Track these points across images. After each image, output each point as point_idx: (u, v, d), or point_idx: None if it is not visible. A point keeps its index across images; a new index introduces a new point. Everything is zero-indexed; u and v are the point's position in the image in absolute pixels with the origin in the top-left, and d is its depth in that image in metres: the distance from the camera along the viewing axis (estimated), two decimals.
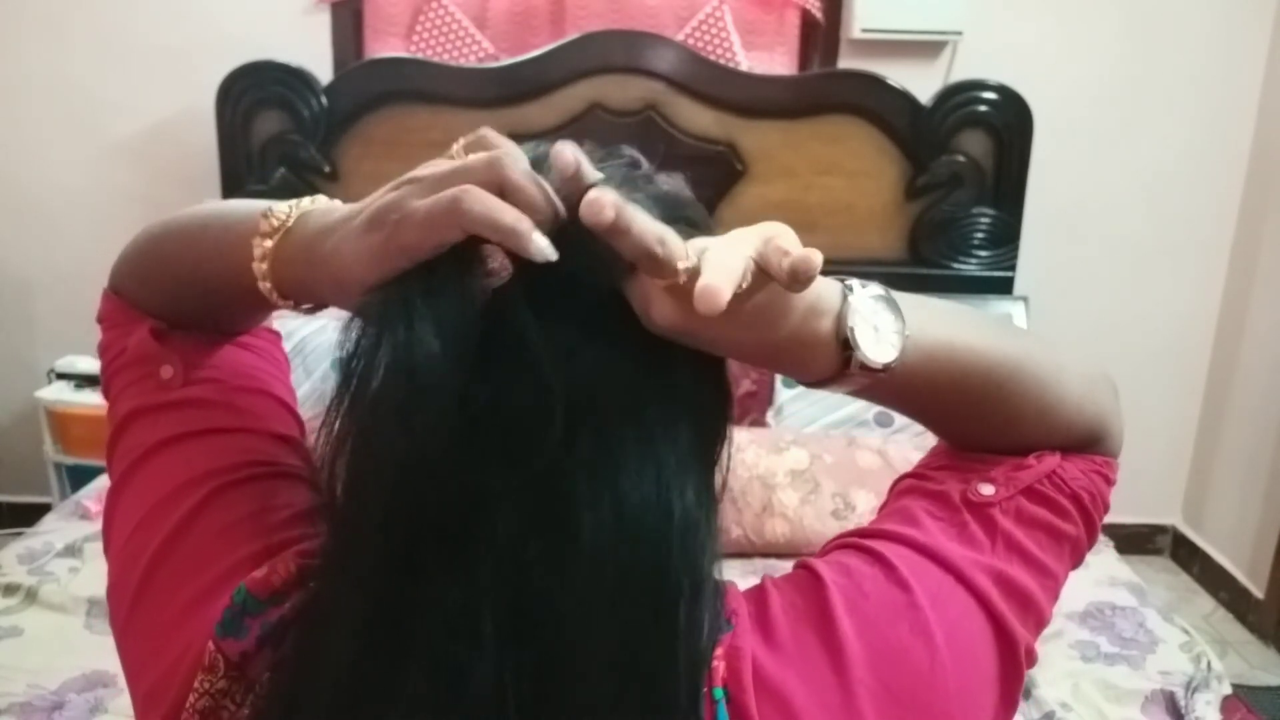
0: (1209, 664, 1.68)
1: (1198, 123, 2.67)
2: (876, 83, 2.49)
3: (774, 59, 2.64)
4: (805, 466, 2.00)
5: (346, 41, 2.61)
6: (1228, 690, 1.63)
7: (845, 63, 2.60)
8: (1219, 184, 2.72)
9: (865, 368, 0.50)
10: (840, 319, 0.49)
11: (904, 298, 0.52)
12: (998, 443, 0.59)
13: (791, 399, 2.31)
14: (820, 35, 2.62)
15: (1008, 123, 2.51)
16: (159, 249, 0.63)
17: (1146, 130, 2.67)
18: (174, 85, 2.58)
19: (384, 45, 2.63)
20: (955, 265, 2.58)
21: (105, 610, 1.90)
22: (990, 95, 2.50)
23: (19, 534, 2.07)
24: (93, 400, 2.46)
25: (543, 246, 0.43)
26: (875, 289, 0.51)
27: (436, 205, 0.44)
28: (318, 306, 0.53)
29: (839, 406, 2.29)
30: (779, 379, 2.33)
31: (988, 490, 0.57)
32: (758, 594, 0.55)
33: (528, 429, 0.45)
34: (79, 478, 2.45)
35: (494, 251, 0.46)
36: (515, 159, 0.45)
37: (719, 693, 0.49)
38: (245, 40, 2.48)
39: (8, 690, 1.49)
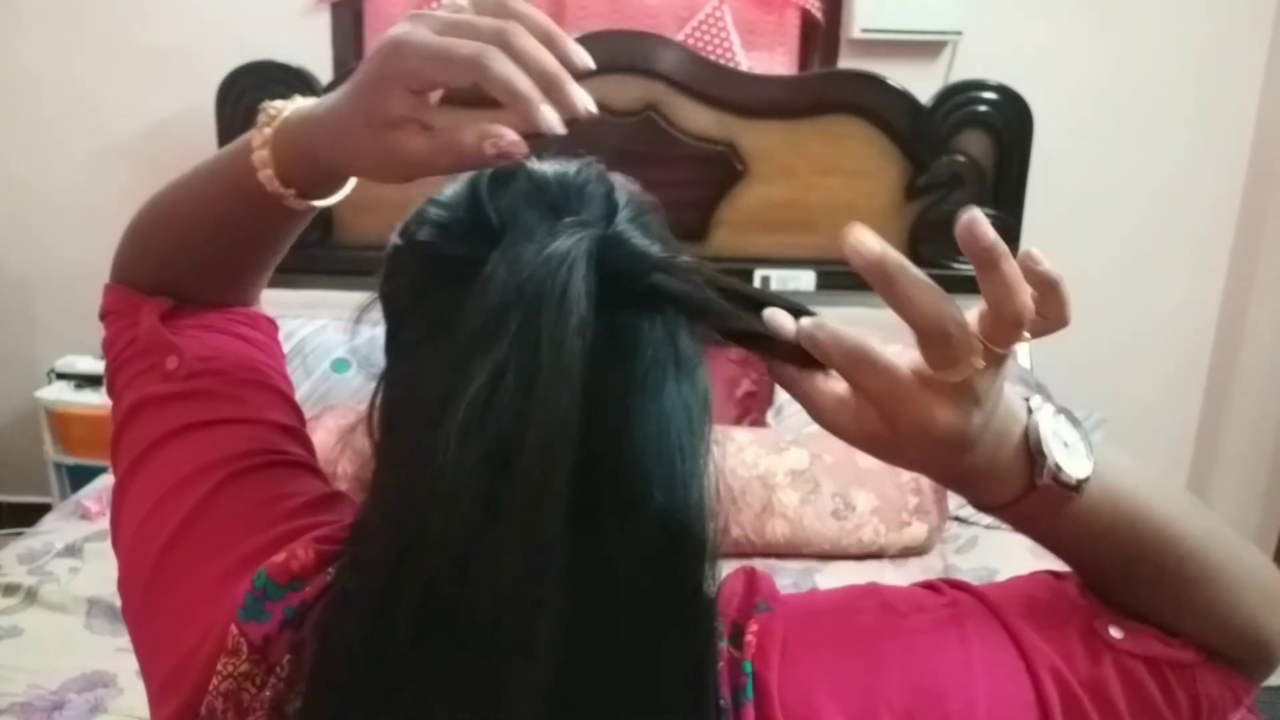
0: None
1: (1198, 122, 2.67)
2: (876, 83, 2.49)
3: (774, 59, 2.64)
4: (805, 466, 2.00)
5: (346, 41, 2.61)
6: None
7: (845, 63, 2.60)
8: (1219, 184, 2.72)
9: (1059, 482, 0.47)
10: (1029, 430, 0.47)
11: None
12: (1151, 618, 0.54)
13: (791, 399, 2.31)
14: (820, 35, 2.61)
15: (1008, 123, 2.51)
16: (156, 211, 0.64)
17: (1147, 130, 2.67)
18: (174, 85, 2.58)
19: None
20: (955, 266, 2.57)
21: (105, 610, 1.89)
22: (990, 95, 2.50)
23: (19, 534, 2.07)
24: (93, 400, 2.45)
25: (550, 119, 0.44)
26: (1052, 405, 0.49)
27: (455, 47, 0.44)
28: (320, 191, 0.56)
29: None
30: None
31: (1115, 634, 0.53)
32: (804, 596, 0.56)
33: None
34: (79, 478, 2.45)
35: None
36: (530, 25, 0.46)
37: (748, 666, 0.50)
38: (245, 40, 2.48)
39: (8, 690, 1.49)
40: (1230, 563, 0.53)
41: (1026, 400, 0.49)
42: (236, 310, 0.67)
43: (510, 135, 0.45)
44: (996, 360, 0.45)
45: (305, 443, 0.64)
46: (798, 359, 0.47)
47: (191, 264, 0.64)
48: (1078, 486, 0.48)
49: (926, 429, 0.45)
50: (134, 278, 0.66)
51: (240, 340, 0.66)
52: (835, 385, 0.47)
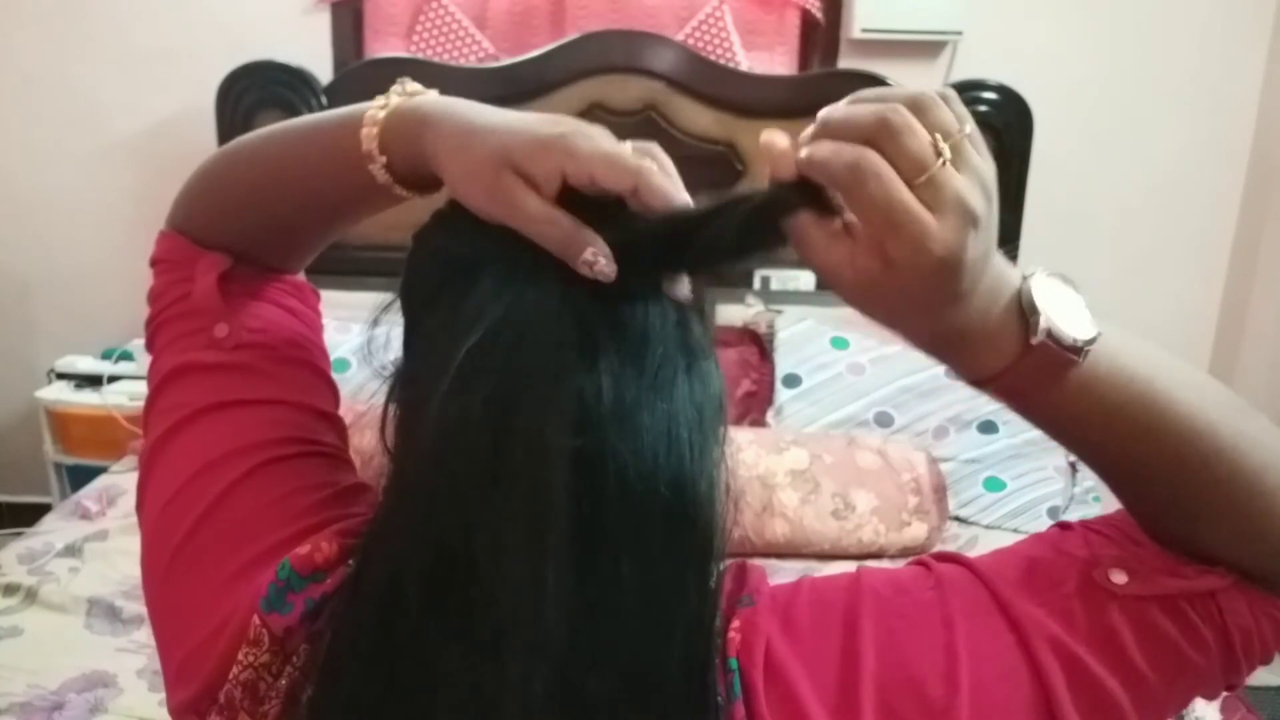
0: None
1: (1198, 122, 2.67)
2: (876, 83, 2.48)
3: (774, 59, 2.64)
4: (805, 466, 2.00)
5: (346, 41, 2.61)
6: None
7: (845, 63, 2.60)
8: (1219, 184, 2.72)
9: (1055, 342, 0.45)
10: (1022, 293, 0.46)
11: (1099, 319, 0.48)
12: (1174, 529, 0.51)
13: (791, 399, 2.31)
14: (820, 35, 2.62)
15: (1008, 123, 2.51)
16: (237, 161, 0.63)
17: (1147, 130, 2.67)
18: (174, 85, 2.58)
19: (384, 45, 2.63)
20: None
21: (105, 610, 1.88)
22: (990, 95, 2.50)
23: (19, 534, 2.07)
24: (93, 400, 2.45)
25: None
26: (1052, 273, 0.47)
27: (623, 153, 0.47)
28: (412, 185, 0.55)
29: (839, 406, 2.29)
30: (779, 379, 2.33)
31: (1118, 579, 0.50)
32: (791, 585, 0.55)
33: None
34: (79, 478, 2.45)
35: None
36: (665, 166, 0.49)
37: (734, 663, 0.50)
38: (245, 40, 2.48)
39: (8, 690, 1.48)
40: (1267, 470, 0.49)
41: (1024, 270, 0.47)
42: (285, 279, 0.67)
43: (613, 263, 0.47)
44: (958, 155, 0.43)
45: (340, 428, 0.64)
46: (796, 198, 0.46)
47: (261, 221, 0.63)
48: (1077, 349, 0.46)
49: (921, 245, 0.42)
50: (193, 227, 0.64)
51: (287, 313, 0.66)
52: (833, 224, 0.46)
